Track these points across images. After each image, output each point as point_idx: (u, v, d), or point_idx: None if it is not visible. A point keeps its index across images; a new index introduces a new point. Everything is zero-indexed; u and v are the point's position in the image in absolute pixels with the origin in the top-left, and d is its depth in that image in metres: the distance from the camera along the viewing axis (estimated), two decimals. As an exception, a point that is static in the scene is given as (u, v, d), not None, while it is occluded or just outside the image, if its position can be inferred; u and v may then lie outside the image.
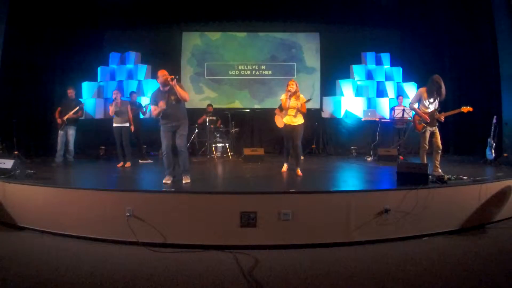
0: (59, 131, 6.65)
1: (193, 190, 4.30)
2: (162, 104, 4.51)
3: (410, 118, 6.86)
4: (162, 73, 4.59)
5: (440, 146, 5.22)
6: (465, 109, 5.20)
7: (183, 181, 4.65)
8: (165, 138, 4.64)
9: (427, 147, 5.22)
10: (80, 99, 7.66)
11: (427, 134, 5.19)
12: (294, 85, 5.31)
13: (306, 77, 10.11)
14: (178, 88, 4.49)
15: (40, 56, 8.74)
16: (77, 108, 6.65)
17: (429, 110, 5.21)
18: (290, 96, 5.29)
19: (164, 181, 4.59)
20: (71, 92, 6.88)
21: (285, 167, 5.68)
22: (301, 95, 5.39)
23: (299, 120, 5.36)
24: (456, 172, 4.84)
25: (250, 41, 10.29)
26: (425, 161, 5.15)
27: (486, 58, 8.19)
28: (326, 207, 3.84)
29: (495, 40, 7.67)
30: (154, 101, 4.62)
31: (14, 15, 7.81)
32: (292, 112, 5.33)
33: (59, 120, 6.61)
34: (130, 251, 3.58)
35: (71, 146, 6.70)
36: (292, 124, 5.35)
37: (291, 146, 5.54)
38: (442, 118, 5.17)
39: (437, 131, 5.24)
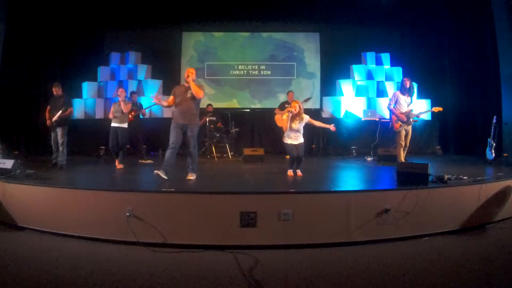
0: (52, 133, 6.24)
1: (193, 190, 4.30)
2: (170, 101, 4.86)
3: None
4: (190, 70, 4.79)
5: (408, 144, 6.01)
6: (436, 109, 5.92)
7: (188, 178, 4.81)
8: (173, 135, 4.70)
9: (403, 144, 5.89)
10: (72, 99, 7.11)
11: (403, 133, 5.87)
12: (297, 106, 4.98)
13: (306, 77, 10.12)
14: (193, 85, 4.70)
15: (40, 56, 8.74)
16: (63, 109, 6.10)
17: (404, 110, 5.83)
18: (293, 118, 4.98)
19: (156, 171, 4.61)
20: (56, 89, 6.22)
21: (290, 172, 5.35)
22: (304, 115, 5.08)
23: (301, 139, 5.16)
24: (456, 172, 4.83)
25: (250, 41, 10.29)
26: (402, 158, 5.88)
27: (486, 58, 8.18)
28: (326, 207, 3.84)
29: (495, 40, 7.66)
30: (173, 93, 4.89)
31: (14, 15, 7.81)
32: (293, 135, 5.07)
33: (48, 122, 6.17)
34: (130, 251, 3.57)
35: (61, 148, 6.06)
36: (294, 144, 5.11)
37: (296, 156, 5.20)
38: (420, 116, 6.00)
39: (410, 130, 5.92)
